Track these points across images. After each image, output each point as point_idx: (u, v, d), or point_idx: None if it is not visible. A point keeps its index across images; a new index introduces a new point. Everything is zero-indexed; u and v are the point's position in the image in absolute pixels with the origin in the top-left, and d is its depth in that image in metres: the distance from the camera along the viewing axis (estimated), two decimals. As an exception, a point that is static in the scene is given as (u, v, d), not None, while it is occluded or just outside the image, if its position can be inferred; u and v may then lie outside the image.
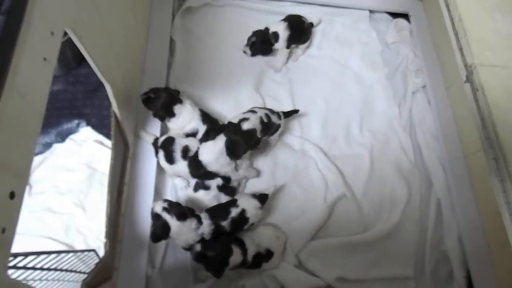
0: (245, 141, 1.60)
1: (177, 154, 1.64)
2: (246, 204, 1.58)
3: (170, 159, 1.64)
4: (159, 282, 1.61)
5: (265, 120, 1.70)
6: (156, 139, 1.71)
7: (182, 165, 1.64)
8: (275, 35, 2.06)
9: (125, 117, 1.52)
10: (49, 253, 1.07)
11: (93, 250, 1.18)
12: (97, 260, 1.20)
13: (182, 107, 1.73)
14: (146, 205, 1.62)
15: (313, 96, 2.16)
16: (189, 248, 1.50)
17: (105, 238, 1.29)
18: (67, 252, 1.14)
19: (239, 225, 1.57)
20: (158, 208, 1.45)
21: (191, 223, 1.47)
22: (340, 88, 2.21)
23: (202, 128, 1.77)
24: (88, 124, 2.04)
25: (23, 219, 1.76)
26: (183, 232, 1.45)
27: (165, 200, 1.50)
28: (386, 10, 2.45)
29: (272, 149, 1.93)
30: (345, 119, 2.12)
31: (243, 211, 1.57)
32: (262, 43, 2.05)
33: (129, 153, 1.64)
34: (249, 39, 2.07)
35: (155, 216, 1.46)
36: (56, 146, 1.99)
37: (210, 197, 1.70)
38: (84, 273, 1.19)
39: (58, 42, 0.90)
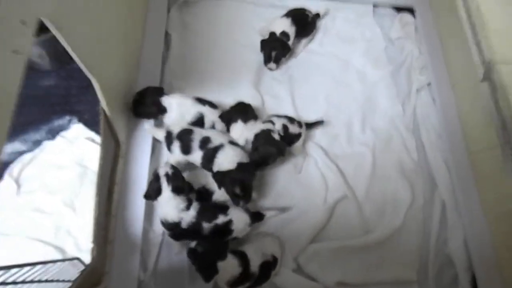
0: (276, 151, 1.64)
1: (195, 143, 1.60)
2: (236, 216, 1.51)
3: (187, 150, 1.61)
4: (152, 286, 1.55)
5: (281, 133, 1.71)
6: (169, 132, 1.66)
7: (197, 155, 1.61)
8: (286, 35, 2.01)
9: (116, 114, 1.45)
10: (22, 266, 0.99)
11: (77, 258, 1.11)
12: (82, 268, 1.13)
13: (170, 97, 1.71)
14: (138, 205, 1.56)
15: (314, 94, 2.09)
16: (164, 223, 1.45)
17: (92, 242, 1.21)
18: (51, 262, 1.07)
19: (219, 234, 1.49)
20: (162, 171, 1.45)
21: (181, 202, 1.43)
22: (342, 85, 2.14)
23: (205, 110, 1.75)
24: (80, 120, 1.98)
25: (11, 219, 1.74)
26: (169, 205, 1.42)
27: (173, 167, 1.47)
28: (390, 5, 2.37)
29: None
30: (346, 117, 2.05)
31: (229, 222, 1.48)
32: (283, 50, 2.01)
33: (121, 151, 1.57)
34: (268, 55, 2.00)
35: (155, 176, 1.45)
36: (46, 144, 1.92)
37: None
38: (68, 281, 1.12)
39: (30, 32, 0.82)
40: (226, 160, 1.54)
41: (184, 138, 1.62)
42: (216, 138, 1.61)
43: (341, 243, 1.72)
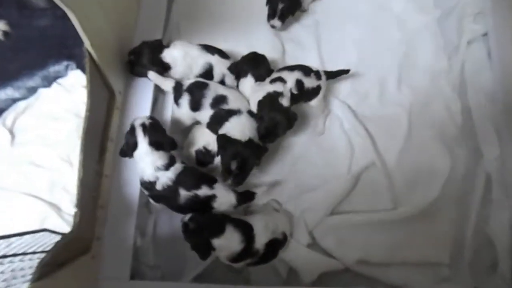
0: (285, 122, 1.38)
1: (207, 100, 1.39)
2: (222, 193, 1.30)
3: (197, 106, 1.41)
4: (151, 253, 1.41)
5: (294, 91, 1.43)
6: (179, 83, 1.45)
7: (206, 114, 1.40)
8: None
9: (107, 58, 1.23)
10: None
11: (46, 230, 0.95)
12: (57, 238, 0.98)
13: (172, 49, 1.48)
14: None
15: (343, 42, 1.82)
16: (140, 182, 1.30)
17: (76, 207, 1.05)
18: (20, 235, 0.92)
19: (196, 207, 1.29)
20: (137, 122, 1.28)
21: (159, 158, 1.25)
22: (377, 34, 1.84)
23: (214, 60, 1.52)
24: (78, 66, 1.77)
25: (4, 172, 1.61)
26: (145, 160, 1.25)
27: (151, 118, 1.31)
28: None
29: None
30: (380, 72, 1.77)
31: (211, 197, 1.28)
32: (291, 4, 1.70)
33: (116, 102, 1.37)
34: (273, 9, 1.68)
35: (131, 128, 1.29)
36: (42, 91, 1.75)
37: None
38: (42, 252, 0.98)
39: None
40: (238, 128, 1.33)
41: (196, 92, 1.41)
42: (234, 101, 1.39)
43: (365, 216, 1.52)
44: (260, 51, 1.58)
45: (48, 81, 1.76)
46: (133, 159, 1.29)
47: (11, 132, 1.68)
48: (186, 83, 1.45)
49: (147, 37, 1.54)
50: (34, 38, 1.80)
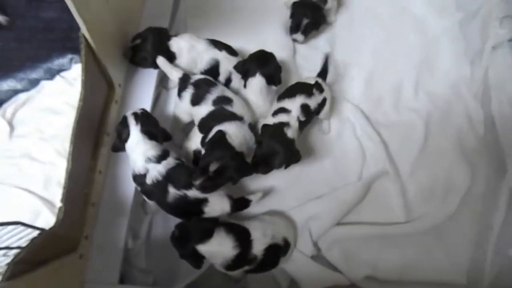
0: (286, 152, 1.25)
1: (211, 96, 1.31)
2: (215, 198, 1.20)
3: (197, 100, 1.32)
4: (143, 256, 1.32)
5: (302, 118, 1.33)
6: (186, 75, 1.38)
7: (204, 109, 1.31)
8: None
9: (106, 48, 1.17)
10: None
11: (19, 223, 0.88)
12: (35, 233, 0.91)
13: (179, 39, 1.41)
14: (132, 162, 1.30)
15: (359, 44, 1.74)
16: (132, 175, 1.21)
17: (61, 201, 0.98)
18: None
19: (185, 209, 1.20)
20: (129, 112, 1.22)
21: (151, 148, 1.18)
22: (394, 36, 1.76)
23: (221, 57, 1.44)
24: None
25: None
26: (136, 151, 1.18)
27: (143, 109, 1.25)
28: None
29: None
30: (396, 77, 1.68)
31: (202, 201, 1.18)
32: (316, 20, 1.63)
33: (115, 95, 1.30)
34: (297, 24, 1.62)
35: (123, 120, 1.22)
36: (44, 84, 1.70)
37: None
38: (15, 248, 0.90)
39: None
40: (237, 135, 1.21)
41: (202, 87, 1.33)
42: (239, 108, 1.30)
43: (374, 228, 1.41)
44: (271, 50, 1.50)
45: (51, 74, 1.71)
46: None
47: (10, 124, 1.63)
48: (195, 77, 1.38)
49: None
50: (40, 29, 1.77)
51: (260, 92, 1.39)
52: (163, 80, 1.55)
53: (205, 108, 1.30)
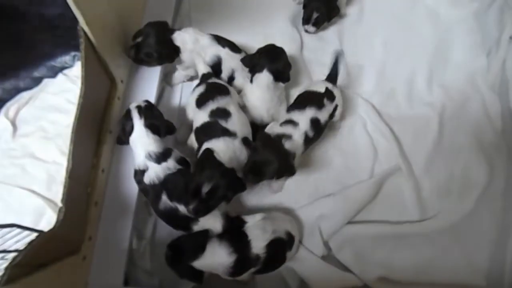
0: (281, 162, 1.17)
1: (211, 105, 1.25)
2: (206, 218, 1.12)
3: (200, 103, 1.26)
4: (148, 257, 1.28)
5: (310, 134, 1.26)
6: (210, 74, 1.35)
7: (200, 117, 1.25)
8: None
9: (107, 43, 1.13)
10: None
11: (15, 225, 0.84)
12: (34, 235, 0.87)
13: (183, 33, 1.35)
14: (135, 160, 1.26)
15: (370, 36, 1.67)
16: (135, 173, 1.18)
17: (61, 202, 0.94)
18: None
19: (173, 221, 1.17)
20: (133, 105, 1.20)
21: (153, 143, 1.14)
22: (407, 28, 1.69)
23: (224, 54, 1.39)
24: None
25: (1, 165, 1.52)
26: (138, 144, 1.15)
27: (147, 101, 1.23)
28: None
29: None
30: (408, 69, 1.61)
31: (193, 219, 1.14)
32: (328, 12, 1.58)
33: (117, 91, 1.26)
34: (309, 15, 1.56)
35: (126, 113, 1.20)
36: (47, 82, 1.67)
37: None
38: (12, 251, 0.87)
39: None
40: (226, 152, 1.15)
41: (210, 91, 1.28)
42: (235, 124, 1.22)
43: (388, 227, 1.35)
44: (278, 43, 1.44)
45: (54, 72, 1.69)
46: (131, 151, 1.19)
47: (13, 123, 1.61)
48: (214, 79, 1.35)
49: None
50: (43, 27, 1.74)
51: (267, 88, 1.34)
52: (166, 76, 1.51)
53: (202, 116, 1.24)
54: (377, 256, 1.32)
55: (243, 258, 1.09)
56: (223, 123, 1.20)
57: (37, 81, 1.67)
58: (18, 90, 1.65)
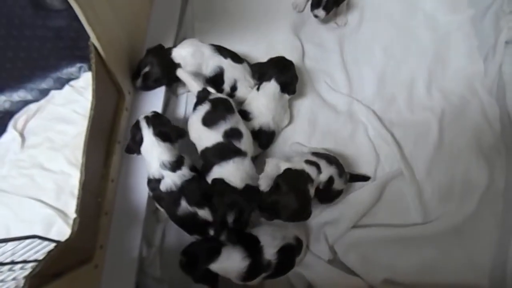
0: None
1: (224, 126, 1.22)
2: None
3: (209, 123, 1.22)
4: (158, 265, 1.31)
5: (321, 186, 1.25)
6: (207, 90, 1.30)
7: (213, 138, 1.22)
8: None
9: (115, 56, 1.16)
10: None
11: (36, 236, 0.87)
12: (51, 246, 0.90)
13: (179, 49, 1.38)
14: (143, 169, 1.28)
15: (369, 43, 1.71)
16: (148, 181, 1.21)
17: (76, 212, 0.97)
18: (4, 241, 0.84)
19: (191, 225, 1.20)
20: (141, 116, 1.21)
21: (165, 152, 1.16)
22: (406, 34, 1.73)
23: (226, 64, 1.41)
24: (91, 69, 1.70)
25: (11, 176, 1.55)
26: (151, 154, 1.17)
27: (155, 111, 1.25)
28: None
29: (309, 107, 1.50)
30: (408, 75, 1.65)
31: (210, 224, 1.17)
32: None
33: (125, 103, 1.29)
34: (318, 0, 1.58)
35: (135, 123, 1.22)
36: (54, 93, 1.70)
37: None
38: (31, 261, 0.90)
39: None
40: (237, 171, 1.17)
41: (218, 110, 1.23)
42: (245, 143, 1.22)
43: (392, 230, 1.38)
44: (280, 52, 1.49)
45: (61, 83, 1.70)
46: (141, 163, 1.21)
47: (22, 135, 1.64)
48: (215, 94, 1.31)
49: (160, 37, 1.47)
50: (49, 39, 1.77)
51: (273, 98, 1.37)
52: (171, 86, 1.54)
53: (214, 137, 1.21)
54: (382, 259, 1.35)
55: (256, 263, 1.13)
56: (236, 143, 1.20)
57: (45, 93, 1.69)
58: (26, 102, 1.68)
